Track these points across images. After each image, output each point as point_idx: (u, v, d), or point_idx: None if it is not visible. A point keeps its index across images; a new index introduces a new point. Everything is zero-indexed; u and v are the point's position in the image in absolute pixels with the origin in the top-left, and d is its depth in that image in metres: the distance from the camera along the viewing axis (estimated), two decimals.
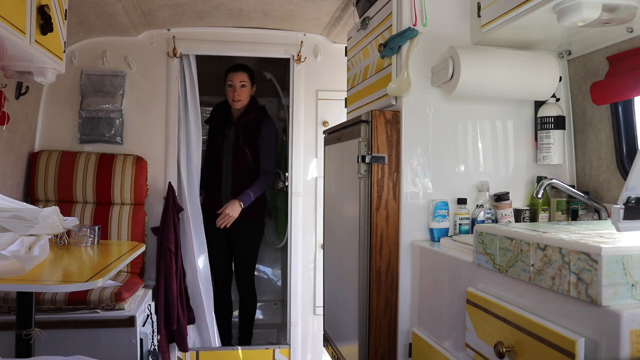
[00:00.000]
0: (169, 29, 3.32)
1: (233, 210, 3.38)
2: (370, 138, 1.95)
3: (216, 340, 3.42)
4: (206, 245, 3.43)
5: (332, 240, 2.55)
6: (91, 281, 1.59)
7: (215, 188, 3.59)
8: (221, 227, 3.39)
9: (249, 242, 3.62)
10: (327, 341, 2.58)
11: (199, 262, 3.39)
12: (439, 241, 1.90)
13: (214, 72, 3.84)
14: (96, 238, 2.29)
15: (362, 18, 2.32)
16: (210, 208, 3.51)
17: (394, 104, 2.02)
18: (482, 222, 1.93)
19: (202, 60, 3.56)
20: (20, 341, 1.83)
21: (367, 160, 1.94)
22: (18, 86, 2.62)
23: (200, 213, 3.42)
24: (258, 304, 4.00)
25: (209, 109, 3.94)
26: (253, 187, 3.46)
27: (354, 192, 2.04)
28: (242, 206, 3.40)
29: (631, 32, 1.72)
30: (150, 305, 2.91)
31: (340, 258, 2.34)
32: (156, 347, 2.92)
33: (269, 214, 3.91)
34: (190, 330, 3.34)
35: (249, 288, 3.67)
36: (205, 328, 3.39)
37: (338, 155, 2.36)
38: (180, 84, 3.37)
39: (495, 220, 1.96)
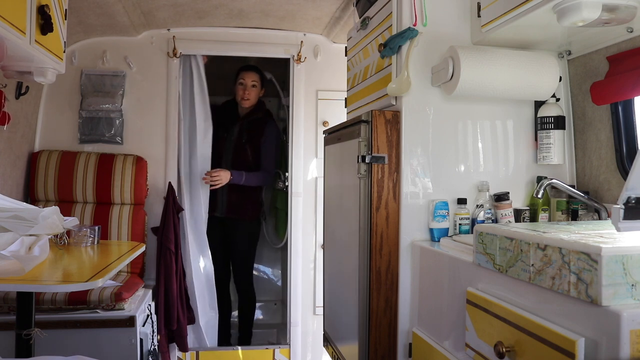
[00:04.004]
0: (169, 29, 3.32)
1: (223, 176, 3.35)
2: (370, 138, 1.95)
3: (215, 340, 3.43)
4: (208, 245, 3.43)
5: (332, 240, 2.55)
6: (91, 281, 1.60)
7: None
8: (206, 183, 3.35)
9: (246, 243, 3.61)
10: (327, 341, 2.58)
11: (201, 262, 3.39)
12: (439, 241, 1.90)
13: (214, 72, 3.84)
14: (96, 238, 2.29)
15: (362, 18, 2.32)
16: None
17: (394, 104, 2.02)
18: (482, 222, 1.93)
19: (208, 60, 3.56)
20: (20, 341, 1.83)
21: (367, 160, 1.94)
22: (18, 86, 2.62)
23: (205, 213, 3.42)
24: (258, 304, 4.00)
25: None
26: (249, 173, 3.45)
27: (354, 192, 2.04)
28: (230, 179, 3.38)
29: (631, 32, 1.72)
30: (150, 305, 2.91)
31: (340, 258, 2.34)
32: (156, 347, 2.92)
33: (264, 215, 3.90)
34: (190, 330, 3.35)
35: (248, 289, 3.68)
36: (208, 328, 3.40)
37: (338, 155, 2.36)
38: (188, 83, 3.38)
39: (495, 220, 1.96)
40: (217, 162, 3.56)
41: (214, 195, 3.54)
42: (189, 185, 3.41)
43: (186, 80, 3.41)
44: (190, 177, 3.42)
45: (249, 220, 3.60)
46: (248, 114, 3.60)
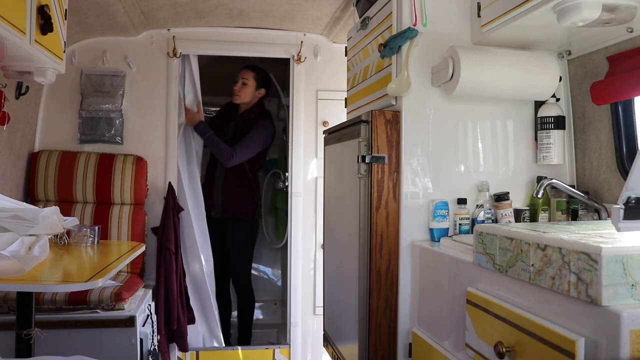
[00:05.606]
0: (169, 29, 3.32)
1: (191, 116, 3.35)
2: (370, 138, 1.95)
3: (221, 340, 3.43)
4: (210, 244, 3.42)
5: (332, 240, 2.55)
6: (91, 281, 1.59)
7: (209, 184, 3.59)
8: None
9: (243, 243, 3.59)
10: (327, 341, 2.58)
11: (203, 261, 3.39)
12: (439, 241, 1.90)
13: (213, 72, 3.84)
14: (96, 238, 2.29)
15: (362, 18, 2.32)
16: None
17: (394, 104, 2.02)
18: (482, 222, 1.93)
19: (208, 60, 3.56)
20: (20, 341, 1.83)
21: (367, 160, 1.94)
22: (18, 86, 2.62)
23: (203, 211, 3.41)
24: (258, 304, 4.00)
25: (214, 109, 3.95)
26: (217, 138, 3.37)
27: (354, 192, 2.04)
28: (199, 122, 3.36)
29: (631, 32, 1.72)
30: (150, 305, 2.91)
31: (340, 258, 2.34)
32: (156, 347, 2.92)
33: (260, 214, 3.90)
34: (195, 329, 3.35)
35: (246, 289, 3.67)
36: (210, 327, 3.40)
37: (338, 155, 2.36)
38: (188, 83, 3.40)
39: (495, 220, 1.96)
40: (212, 162, 3.55)
41: (210, 195, 3.54)
42: (188, 184, 3.41)
43: (183, 80, 3.41)
44: (189, 176, 3.42)
45: (245, 219, 3.58)
46: (243, 114, 3.59)
